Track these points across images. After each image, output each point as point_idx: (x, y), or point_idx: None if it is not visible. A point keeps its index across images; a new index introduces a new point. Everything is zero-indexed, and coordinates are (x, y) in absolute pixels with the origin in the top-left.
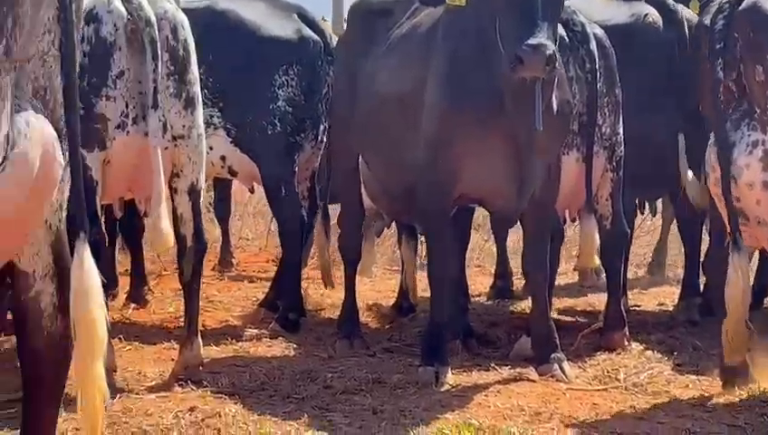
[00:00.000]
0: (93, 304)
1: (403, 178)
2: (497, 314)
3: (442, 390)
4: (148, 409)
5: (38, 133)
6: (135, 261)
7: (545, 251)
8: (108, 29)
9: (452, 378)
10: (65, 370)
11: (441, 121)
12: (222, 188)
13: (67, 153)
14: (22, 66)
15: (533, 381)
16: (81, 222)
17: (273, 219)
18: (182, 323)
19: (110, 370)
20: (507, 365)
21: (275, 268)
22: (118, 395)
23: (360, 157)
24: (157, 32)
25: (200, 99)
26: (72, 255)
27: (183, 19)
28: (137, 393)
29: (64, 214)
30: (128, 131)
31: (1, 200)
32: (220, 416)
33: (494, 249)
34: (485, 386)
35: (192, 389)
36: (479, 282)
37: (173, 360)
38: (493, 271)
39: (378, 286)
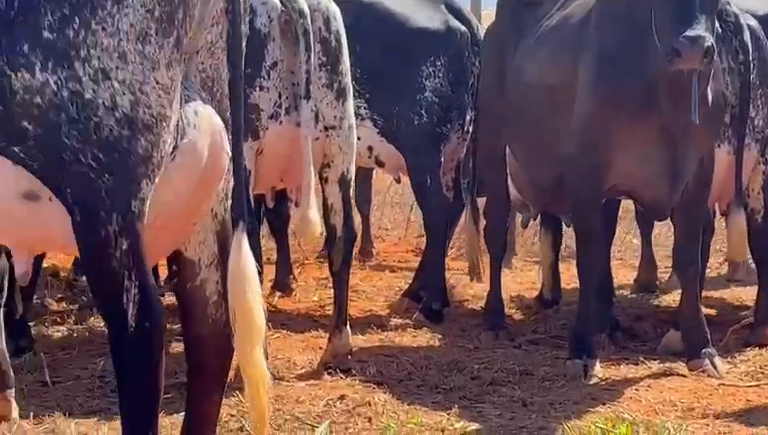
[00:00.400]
0: (251, 292)
1: (553, 169)
2: (642, 307)
3: (591, 383)
4: (299, 396)
5: (206, 123)
6: (281, 250)
7: (697, 245)
8: (262, 20)
9: (600, 371)
10: (229, 356)
11: (594, 113)
12: (363, 178)
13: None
14: (191, 57)
15: (684, 375)
16: (240, 211)
17: (413, 209)
18: (327, 312)
19: None
20: (656, 359)
21: (416, 258)
22: (271, 382)
23: (508, 148)
24: (310, 23)
25: (351, 90)
26: None
27: (335, 10)
28: (287, 381)
29: (229, 203)
30: (280, 121)
31: (170, 190)
32: (370, 405)
33: (635, 241)
34: (635, 380)
35: (341, 377)
36: (621, 274)
37: (321, 348)
38: (633, 263)
39: (518, 278)
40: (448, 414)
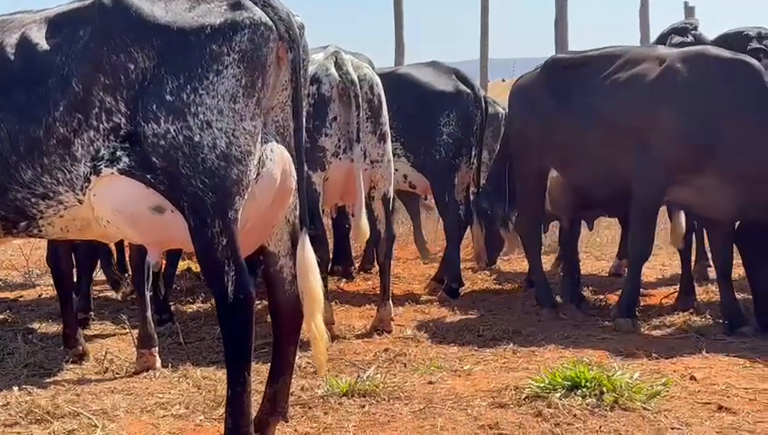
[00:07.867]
0: (312, 275)
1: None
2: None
3: (564, 338)
4: (356, 349)
5: (279, 157)
6: (342, 249)
7: None
8: (326, 87)
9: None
10: (300, 320)
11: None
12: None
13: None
14: (268, 112)
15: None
16: (303, 219)
17: (439, 221)
18: (377, 292)
19: (330, 323)
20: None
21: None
22: (336, 340)
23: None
24: (359, 89)
25: (389, 135)
26: None
27: (377, 79)
28: (348, 339)
29: (298, 212)
30: (340, 158)
31: (255, 203)
32: (406, 355)
33: (597, 239)
34: (593, 337)
35: (386, 336)
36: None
37: (371, 316)
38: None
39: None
40: (460, 360)
